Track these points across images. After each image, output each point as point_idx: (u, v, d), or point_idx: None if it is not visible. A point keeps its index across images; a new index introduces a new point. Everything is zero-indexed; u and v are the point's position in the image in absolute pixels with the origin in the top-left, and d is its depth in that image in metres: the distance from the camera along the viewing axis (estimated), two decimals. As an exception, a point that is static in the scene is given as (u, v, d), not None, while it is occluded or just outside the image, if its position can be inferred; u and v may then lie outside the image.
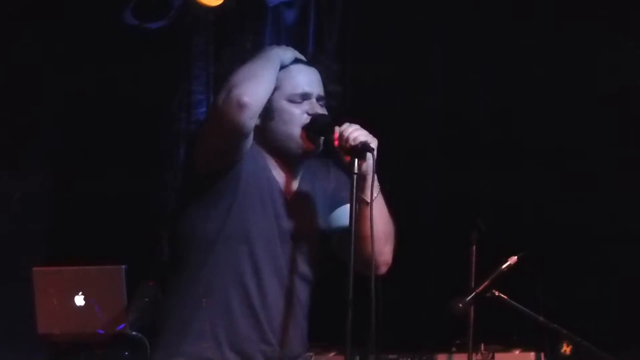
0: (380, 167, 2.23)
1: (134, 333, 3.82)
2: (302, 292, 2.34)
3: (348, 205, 2.29)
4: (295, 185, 2.36)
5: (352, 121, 2.24)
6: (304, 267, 2.34)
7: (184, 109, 4.60)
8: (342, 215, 2.33)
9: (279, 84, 2.26)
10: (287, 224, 2.31)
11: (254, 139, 2.27)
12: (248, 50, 2.34)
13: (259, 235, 2.28)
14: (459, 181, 4.21)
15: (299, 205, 2.33)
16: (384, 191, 2.28)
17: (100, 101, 4.60)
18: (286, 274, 2.31)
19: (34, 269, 3.89)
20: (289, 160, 2.32)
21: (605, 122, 3.96)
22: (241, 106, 2.12)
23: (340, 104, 2.42)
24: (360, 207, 2.20)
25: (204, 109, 4.55)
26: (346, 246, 2.19)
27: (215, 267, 2.27)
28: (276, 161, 2.33)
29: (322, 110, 2.30)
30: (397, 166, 3.62)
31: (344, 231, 2.26)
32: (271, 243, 2.30)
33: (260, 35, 4.50)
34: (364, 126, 2.23)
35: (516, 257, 3.34)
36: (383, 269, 2.30)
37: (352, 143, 2.18)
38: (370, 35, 4.29)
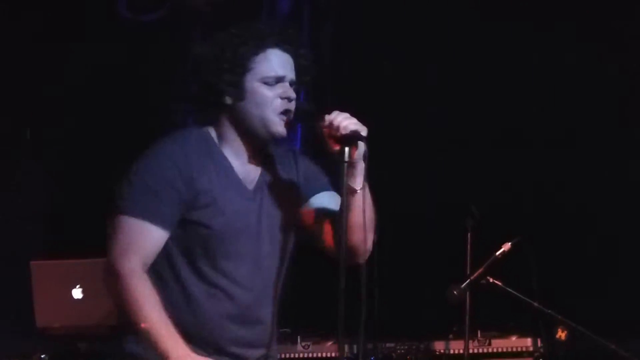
0: (376, 156, 2.19)
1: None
2: (283, 271, 2.36)
3: (324, 193, 2.32)
4: (257, 174, 2.34)
5: (342, 110, 2.18)
6: (274, 253, 2.34)
7: (180, 100, 4.60)
8: (319, 202, 2.34)
9: (253, 66, 2.25)
10: (251, 213, 2.31)
11: (223, 118, 2.28)
12: (239, 35, 2.32)
13: (219, 229, 2.28)
14: (455, 169, 4.20)
15: (263, 195, 2.33)
16: (368, 180, 2.25)
17: (96, 93, 4.57)
18: (266, 259, 2.31)
19: (32, 262, 3.87)
20: (255, 145, 2.30)
21: (606, 107, 3.99)
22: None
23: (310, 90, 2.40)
24: (347, 196, 2.18)
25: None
26: (334, 234, 2.23)
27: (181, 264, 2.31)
28: (242, 144, 2.31)
29: (294, 94, 2.28)
30: (395, 155, 3.60)
31: (325, 219, 2.29)
32: (232, 233, 2.30)
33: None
34: (354, 115, 2.18)
35: (510, 243, 3.39)
36: (365, 257, 2.30)
37: (343, 132, 2.14)
38: (365, 28, 4.33)
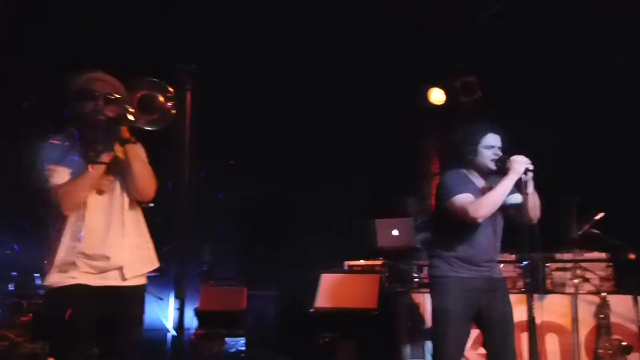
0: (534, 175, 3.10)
1: (418, 246, 4.98)
2: (501, 230, 3.23)
3: (514, 195, 3.07)
4: (485, 185, 3.16)
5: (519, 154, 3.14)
6: (500, 220, 3.21)
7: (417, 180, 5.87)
8: (513, 199, 3.09)
9: (481, 141, 3.15)
10: None
11: (467, 165, 3.16)
12: (474, 128, 3.20)
13: None
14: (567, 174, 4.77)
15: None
16: (536, 186, 3.11)
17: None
18: (494, 225, 3.17)
19: (377, 220, 5.17)
20: (483, 174, 3.21)
21: None
22: (473, 219, 3.02)
23: (503, 151, 3.19)
24: (525, 196, 3.04)
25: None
26: (520, 212, 3.06)
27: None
28: (477, 175, 3.18)
29: (499, 152, 3.16)
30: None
31: (516, 206, 3.10)
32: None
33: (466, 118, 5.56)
34: (526, 156, 3.11)
35: (602, 213, 4.25)
36: (535, 221, 3.08)
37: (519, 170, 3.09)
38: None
